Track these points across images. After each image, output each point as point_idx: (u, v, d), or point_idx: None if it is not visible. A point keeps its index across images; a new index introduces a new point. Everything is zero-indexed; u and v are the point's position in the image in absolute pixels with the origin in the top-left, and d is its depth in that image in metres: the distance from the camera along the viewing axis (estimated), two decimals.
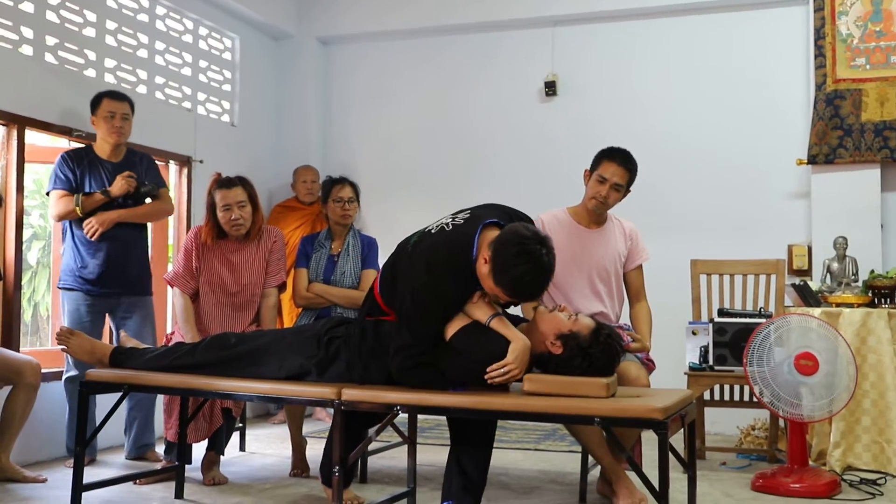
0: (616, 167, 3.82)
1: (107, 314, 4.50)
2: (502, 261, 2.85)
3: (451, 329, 2.96)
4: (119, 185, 4.38)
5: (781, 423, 4.50)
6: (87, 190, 4.39)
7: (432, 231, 3.10)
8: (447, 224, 3.08)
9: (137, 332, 4.41)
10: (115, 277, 4.42)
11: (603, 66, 6.13)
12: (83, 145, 4.61)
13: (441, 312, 2.98)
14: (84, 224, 4.34)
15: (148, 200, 4.55)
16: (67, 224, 4.43)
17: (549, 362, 2.95)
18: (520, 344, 2.88)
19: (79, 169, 4.40)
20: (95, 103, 4.47)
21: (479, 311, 2.97)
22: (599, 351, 2.90)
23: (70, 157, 4.42)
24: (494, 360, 2.87)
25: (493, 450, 3.29)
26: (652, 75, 6.03)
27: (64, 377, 4.40)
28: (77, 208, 4.32)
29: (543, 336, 2.95)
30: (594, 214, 3.94)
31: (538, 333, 2.97)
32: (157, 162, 5.59)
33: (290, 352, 3.20)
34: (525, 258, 2.83)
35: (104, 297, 4.43)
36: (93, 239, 4.34)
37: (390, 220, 6.25)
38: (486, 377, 2.87)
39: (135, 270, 4.53)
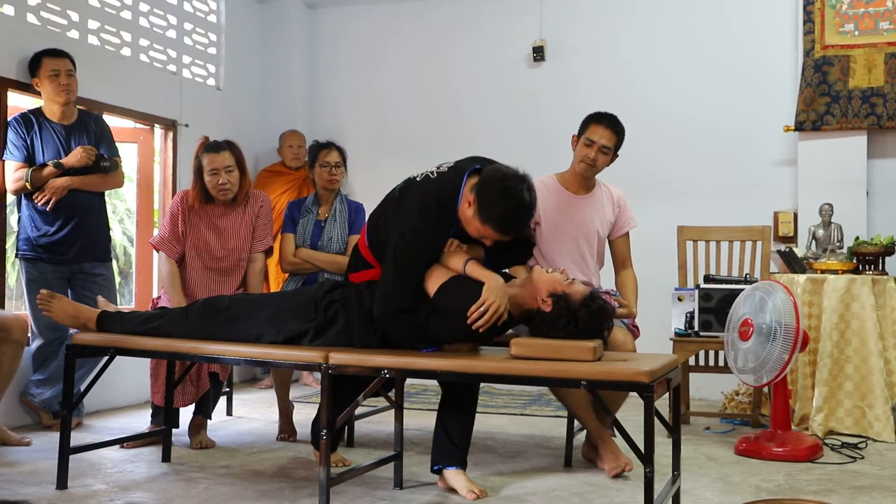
0: (604, 130, 3.82)
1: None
2: (487, 198, 2.96)
3: (434, 284, 3.02)
4: (78, 157, 4.29)
5: (765, 388, 4.54)
6: (39, 157, 4.31)
7: (417, 179, 3.20)
8: (432, 172, 3.19)
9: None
10: (76, 244, 4.36)
11: (591, 31, 6.09)
12: (33, 108, 4.46)
13: (428, 254, 3.08)
14: (35, 197, 4.27)
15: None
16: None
17: (535, 318, 2.99)
18: (492, 281, 2.95)
19: (29, 135, 4.31)
20: (35, 64, 4.36)
21: (455, 259, 3.06)
22: (587, 316, 2.93)
23: (20, 123, 4.32)
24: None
25: (480, 415, 3.35)
26: (641, 41, 6.00)
27: (34, 347, 4.35)
28: (27, 183, 4.24)
29: (536, 292, 3.00)
30: (582, 180, 3.94)
31: (531, 289, 3.02)
32: (142, 126, 5.57)
33: (287, 317, 3.20)
34: (508, 192, 2.95)
35: (65, 263, 4.37)
36: (48, 210, 4.27)
37: (377, 186, 6.12)
38: (469, 322, 2.90)
39: (95, 236, 4.47)
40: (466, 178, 3.09)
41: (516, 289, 3.05)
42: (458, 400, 3.29)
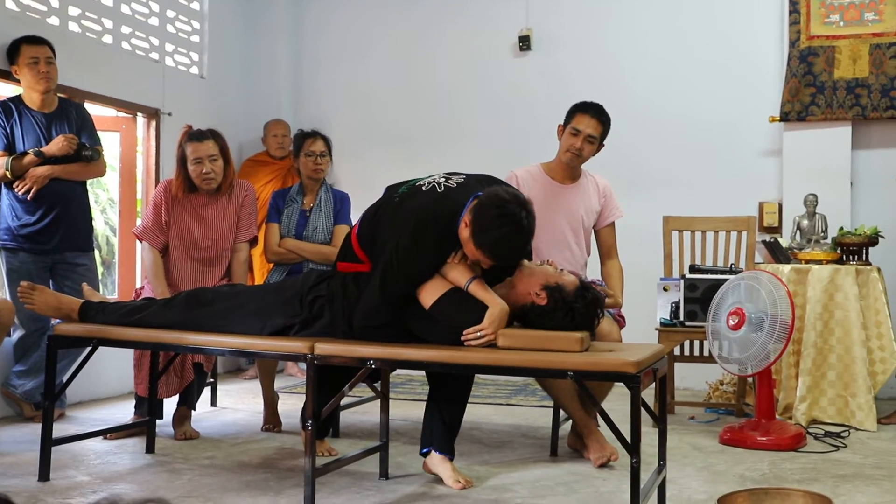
0: (589, 119, 3.81)
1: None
2: (482, 223, 2.84)
3: (431, 296, 2.94)
4: (60, 146, 4.23)
5: (750, 378, 4.56)
6: (20, 145, 4.25)
7: (423, 188, 3.06)
8: (439, 185, 3.04)
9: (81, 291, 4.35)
10: (58, 233, 4.32)
11: (577, 21, 6.07)
12: (12, 95, 4.41)
13: (416, 276, 2.97)
14: (15, 185, 4.21)
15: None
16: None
17: (530, 313, 2.95)
18: (497, 309, 2.87)
19: (9, 123, 4.26)
20: (13, 51, 4.30)
21: (457, 274, 2.96)
22: (583, 307, 2.91)
23: (1, 111, 4.27)
24: (472, 326, 2.88)
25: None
26: (628, 31, 5.98)
27: (15, 338, 4.31)
28: (7, 172, 4.19)
29: (528, 287, 2.95)
30: (568, 169, 3.93)
31: (522, 285, 2.97)
32: (124, 114, 5.51)
33: (272, 312, 3.15)
34: (505, 220, 2.83)
35: (47, 253, 4.33)
36: (28, 199, 4.23)
37: (363, 175, 6.21)
38: (462, 339, 2.87)
39: (77, 226, 4.42)
40: (472, 200, 2.95)
41: (506, 289, 3.00)
42: (454, 389, 3.28)
